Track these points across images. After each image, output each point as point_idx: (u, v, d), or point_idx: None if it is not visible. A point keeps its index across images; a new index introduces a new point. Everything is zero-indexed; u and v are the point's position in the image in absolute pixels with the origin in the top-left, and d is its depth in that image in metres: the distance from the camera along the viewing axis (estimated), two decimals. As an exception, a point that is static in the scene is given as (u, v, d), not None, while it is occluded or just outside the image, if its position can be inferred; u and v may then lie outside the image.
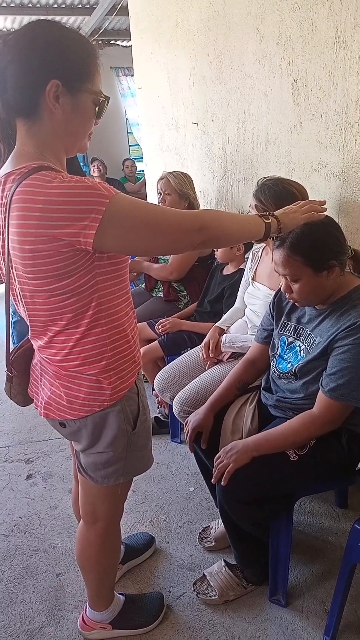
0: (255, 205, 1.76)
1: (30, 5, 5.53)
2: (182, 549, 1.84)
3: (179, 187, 2.55)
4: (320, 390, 1.40)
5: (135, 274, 2.83)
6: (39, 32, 1.00)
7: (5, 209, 1.03)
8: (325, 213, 1.33)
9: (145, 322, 2.59)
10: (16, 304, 1.20)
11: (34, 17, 5.16)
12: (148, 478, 2.19)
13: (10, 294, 1.18)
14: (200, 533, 1.87)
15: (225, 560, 1.68)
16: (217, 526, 1.84)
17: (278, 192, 1.74)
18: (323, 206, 1.33)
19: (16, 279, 1.11)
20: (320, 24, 1.79)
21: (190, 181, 2.62)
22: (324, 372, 1.41)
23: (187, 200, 2.58)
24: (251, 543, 1.59)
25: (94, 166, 5.98)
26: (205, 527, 1.89)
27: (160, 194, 2.60)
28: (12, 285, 1.15)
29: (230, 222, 1.18)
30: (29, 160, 1.03)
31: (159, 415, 2.60)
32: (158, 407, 2.63)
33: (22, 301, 1.14)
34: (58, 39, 1.00)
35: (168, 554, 1.83)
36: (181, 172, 2.62)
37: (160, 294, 2.81)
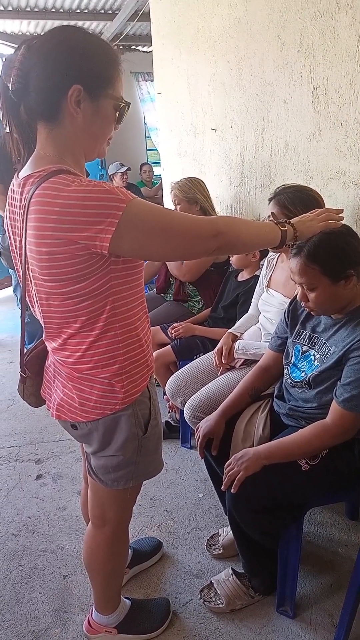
0: (273, 213, 1.75)
1: (53, 10, 5.59)
2: (190, 555, 1.83)
3: (185, 194, 2.57)
4: (334, 400, 1.39)
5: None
6: (63, 37, 1.02)
7: (24, 211, 1.04)
8: (342, 222, 1.32)
9: (158, 327, 2.60)
10: (32, 305, 1.21)
11: (57, 22, 5.21)
12: (157, 483, 2.18)
13: (26, 296, 1.19)
14: (208, 540, 1.86)
15: (232, 569, 1.67)
16: (226, 534, 1.83)
17: (304, 199, 1.73)
18: (340, 215, 1.32)
19: (32, 281, 1.12)
20: (342, 33, 1.78)
21: (198, 184, 2.61)
22: (338, 382, 1.39)
23: (198, 204, 2.58)
24: (260, 552, 1.57)
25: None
26: (214, 534, 1.88)
27: (174, 205, 2.63)
28: (28, 287, 1.16)
29: (246, 229, 1.18)
30: (49, 164, 1.04)
31: (169, 420, 2.60)
32: (169, 412, 2.63)
33: (37, 303, 1.15)
34: (81, 44, 1.01)
35: (175, 560, 1.82)
36: (187, 179, 2.62)
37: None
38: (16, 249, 1.17)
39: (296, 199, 1.72)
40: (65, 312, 1.10)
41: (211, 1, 2.55)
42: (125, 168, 5.69)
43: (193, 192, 2.57)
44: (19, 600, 1.69)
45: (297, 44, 2.01)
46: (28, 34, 6.34)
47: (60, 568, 1.81)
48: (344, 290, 1.38)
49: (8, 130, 1.10)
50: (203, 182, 2.64)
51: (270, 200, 1.81)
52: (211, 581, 1.66)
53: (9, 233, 1.19)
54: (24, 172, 1.08)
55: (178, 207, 2.60)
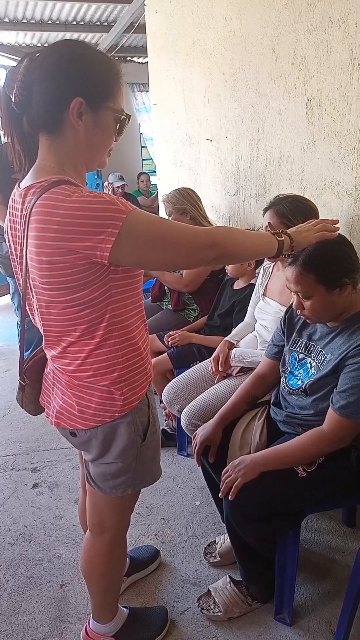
0: (270, 223, 1.77)
1: (49, 22, 5.65)
2: (187, 563, 1.83)
3: (174, 206, 2.60)
4: (330, 407, 1.40)
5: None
6: (65, 51, 1.04)
7: (25, 220, 1.05)
8: (337, 232, 1.35)
9: (155, 335, 2.61)
10: (31, 313, 1.22)
11: (53, 34, 5.25)
12: (154, 491, 2.18)
13: (26, 304, 1.20)
14: (205, 548, 1.86)
15: (230, 576, 1.67)
16: (223, 541, 1.83)
17: (303, 209, 1.76)
18: (335, 225, 1.34)
19: (33, 290, 1.14)
20: (336, 46, 1.82)
21: (186, 194, 2.64)
22: (334, 390, 1.41)
23: (187, 215, 2.61)
24: (257, 559, 1.58)
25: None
26: (211, 542, 1.88)
27: (168, 217, 2.66)
28: (28, 295, 1.17)
29: (244, 239, 1.19)
30: (50, 174, 1.06)
31: (166, 428, 2.60)
32: (165, 420, 2.64)
33: (37, 311, 1.16)
34: (83, 58, 1.04)
35: (173, 568, 1.82)
36: (176, 190, 2.66)
37: (170, 306, 2.83)
38: (17, 257, 1.18)
39: (295, 209, 1.75)
40: (65, 320, 1.11)
41: (206, 14, 2.59)
42: (123, 183, 5.86)
43: (181, 203, 2.60)
44: (16, 610, 1.68)
45: (291, 56, 2.05)
46: (25, 45, 6.40)
47: (57, 577, 1.80)
48: (339, 299, 1.40)
49: (9, 141, 1.12)
50: (192, 191, 2.67)
51: (266, 210, 1.84)
52: (209, 589, 1.66)
53: (9, 242, 1.20)
54: (25, 182, 1.10)
55: (170, 217, 2.64)
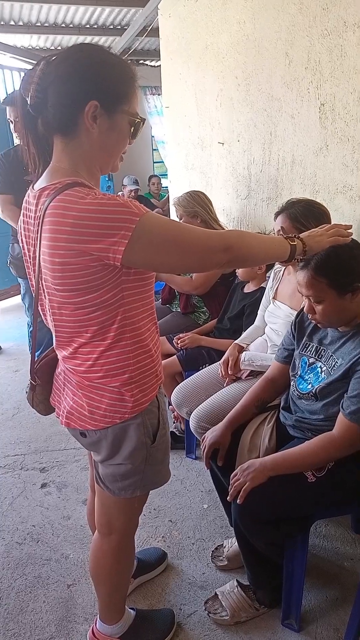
0: (283, 227, 1.77)
1: (63, 25, 5.69)
2: (194, 566, 1.83)
3: (184, 209, 2.60)
4: (340, 412, 1.40)
5: None
6: (82, 55, 1.05)
7: (39, 222, 1.06)
8: (350, 237, 1.34)
9: (164, 337, 2.61)
10: (43, 314, 1.23)
11: (66, 37, 5.28)
12: (162, 493, 2.18)
13: (38, 305, 1.21)
14: (212, 551, 1.86)
15: (237, 580, 1.66)
16: (231, 545, 1.83)
17: (315, 213, 1.76)
18: (349, 230, 1.34)
19: (45, 291, 1.14)
20: (350, 51, 1.82)
21: (197, 197, 2.63)
22: (345, 395, 1.40)
23: (198, 217, 2.60)
24: (265, 564, 1.57)
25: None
26: (219, 546, 1.88)
27: (180, 220, 2.66)
28: (40, 296, 1.18)
29: (257, 243, 1.19)
30: (64, 176, 1.07)
31: (174, 431, 2.60)
32: (174, 422, 2.64)
33: (49, 312, 1.17)
34: (99, 61, 1.05)
35: (180, 571, 1.82)
36: (186, 193, 2.66)
37: (179, 309, 2.84)
38: (30, 259, 1.19)
39: (308, 213, 1.75)
40: (76, 321, 1.12)
41: (220, 18, 2.60)
42: (136, 187, 5.94)
43: (192, 206, 2.60)
44: (23, 609, 1.69)
45: (305, 60, 2.05)
46: (38, 48, 6.45)
47: (64, 577, 1.81)
48: (350, 304, 1.40)
49: (24, 143, 1.13)
50: (203, 194, 2.67)
51: (278, 214, 1.83)
52: (216, 593, 1.66)
53: (22, 243, 1.21)
54: (40, 184, 1.11)
55: (181, 220, 2.63)
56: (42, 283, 1.14)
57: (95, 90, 1.03)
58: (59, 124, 1.06)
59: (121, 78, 1.07)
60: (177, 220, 2.68)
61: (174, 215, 3.52)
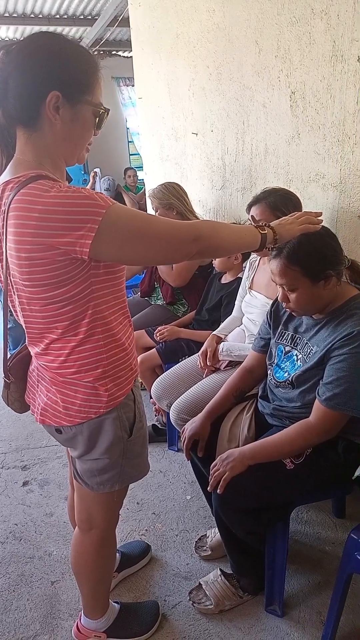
0: (253, 216, 1.77)
1: (32, 15, 5.59)
2: (178, 557, 1.84)
3: (160, 201, 2.58)
4: (316, 399, 1.41)
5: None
6: (42, 43, 1.02)
7: (3, 217, 1.04)
8: (321, 224, 1.35)
9: (144, 330, 2.60)
10: (14, 310, 1.21)
11: (36, 28, 5.20)
12: (144, 486, 2.19)
13: (8, 301, 1.19)
14: (196, 542, 1.87)
15: (221, 569, 1.68)
16: (214, 535, 1.84)
17: (294, 202, 1.79)
18: (319, 217, 1.34)
19: (14, 287, 1.13)
20: (318, 38, 1.82)
21: (172, 188, 2.62)
22: (320, 381, 1.41)
23: (174, 209, 2.59)
24: (247, 552, 1.58)
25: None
26: (202, 536, 1.89)
27: (155, 212, 2.64)
28: (9, 292, 1.16)
29: (227, 233, 1.19)
30: (28, 169, 1.05)
31: (156, 423, 2.60)
32: (155, 415, 2.63)
33: (19, 308, 1.15)
34: (60, 50, 1.02)
35: (164, 563, 1.82)
36: (161, 185, 2.64)
37: (159, 302, 2.83)
38: (-3, 254, 1.17)
39: (287, 202, 1.77)
40: (46, 317, 1.10)
41: (189, 7, 2.58)
42: (107, 190, 5.88)
43: (167, 198, 2.58)
44: (7, 608, 1.68)
45: (275, 49, 2.04)
46: (7, 39, 6.32)
47: (48, 574, 1.80)
48: (324, 291, 1.40)
49: None
50: (178, 185, 2.65)
51: (252, 204, 1.83)
52: (200, 583, 1.67)
53: (-12, 239, 1.19)
54: (3, 177, 1.08)
55: (157, 213, 2.62)
56: (10, 279, 1.12)
57: (57, 80, 1.01)
58: (21, 115, 1.04)
59: (83, 67, 1.04)
60: (153, 212, 2.66)
61: (150, 209, 3.51)
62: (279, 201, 1.78)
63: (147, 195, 2.86)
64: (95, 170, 6.02)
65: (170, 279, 2.65)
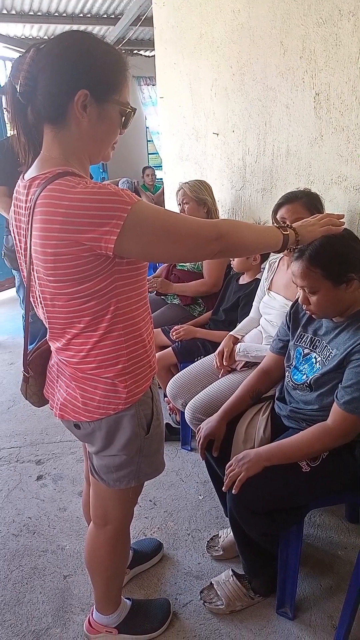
0: (277, 218, 1.78)
1: (56, 14, 5.63)
2: (190, 556, 1.84)
3: (195, 194, 2.59)
4: (335, 402, 1.40)
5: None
6: (72, 42, 1.03)
7: (29, 212, 1.05)
8: (342, 227, 1.34)
9: (160, 329, 2.61)
10: (35, 306, 1.22)
11: (59, 26, 5.24)
12: (157, 484, 2.19)
13: (30, 296, 1.20)
14: (208, 542, 1.87)
15: (233, 570, 1.67)
16: (226, 535, 1.84)
17: (322, 204, 1.82)
18: (341, 220, 1.33)
19: (37, 282, 1.14)
20: (345, 39, 1.80)
21: (207, 187, 2.64)
22: (339, 385, 1.40)
23: (206, 207, 2.61)
24: (260, 553, 1.58)
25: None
26: (214, 536, 1.89)
27: (180, 205, 2.65)
28: (32, 287, 1.17)
29: (249, 232, 1.19)
30: (54, 166, 1.06)
31: (170, 422, 2.61)
32: (170, 414, 2.64)
33: (41, 303, 1.16)
34: (89, 50, 1.03)
35: (175, 561, 1.82)
36: (197, 180, 2.65)
37: (176, 301, 2.83)
38: (21, 249, 1.18)
39: (318, 203, 1.80)
40: (69, 312, 1.11)
41: (214, 7, 2.58)
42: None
43: (203, 194, 2.60)
44: (20, 600, 1.70)
45: (300, 50, 2.03)
46: (31, 37, 6.39)
47: (60, 568, 1.81)
48: (345, 294, 1.39)
49: (15, 132, 1.12)
50: (210, 186, 2.67)
51: (283, 204, 1.82)
52: (211, 582, 1.67)
53: (14, 234, 1.20)
54: (30, 173, 1.10)
55: (186, 206, 2.62)
56: (33, 274, 1.14)
57: (85, 79, 1.02)
58: (49, 112, 1.05)
59: (112, 67, 1.05)
60: (176, 206, 2.67)
61: (168, 206, 3.51)
62: (312, 201, 1.80)
63: (169, 191, 2.85)
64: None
65: (208, 287, 2.66)
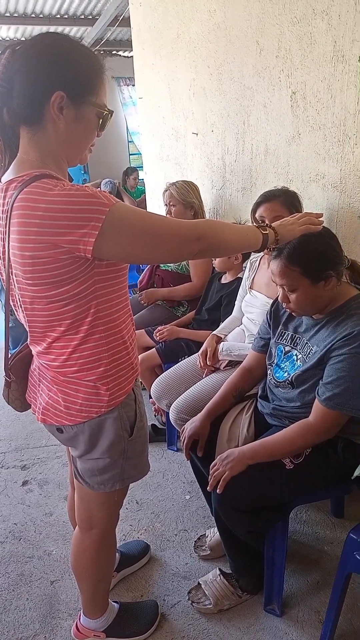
0: (255, 217, 1.78)
1: (33, 15, 5.59)
2: (177, 557, 1.84)
3: (182, 197, 2.58)
4: (316, 399, 1.41)
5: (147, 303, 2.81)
6: (48, 43, 1.03)
7: (7, 215, 1.04)
8: (321, 225, 1.35)
9: (144, 330, 2.60)
10: (15, 309, 1.21)
11: (37, 27, 5.19)
12: (144, 486, 2.19)
13: (10, 300, 1.19)
14: (195, 541, 1.87)
15: (220, 569, 1.68)
16: (213, 535, 1.84)
17: (300, 202, 1.84)
18: (319, 218, 1.35)
19: (16, 285, 1.13)
20: (319, 38, 1.82)
21: (195, 189, 2.64)
22: (320, 381, 1.42)
23: (193, 209, 2.60)
24: (246, 552, 1.59)
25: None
26: (201, 536, 1.89)
27: (167, 206, 2.63)
28: (11, 291, 1.16)
29: (229, 233, 1.19)
30: (31, 168, 1.05)
31: (155, 423, 2.60)
32: (155, 415, 2.64)
33: (21, 307, 1.15)
34: (66, 51, 1.02)
35: (163, 562, 1.82)
36: (184, 182, 2.64)
37: (158, 302, 2.82)
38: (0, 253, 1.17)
39: (297, 201, 1.82)
40: (49, 315, 1.10)
41: (190, 7, 2.58)
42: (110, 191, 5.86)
43: (190, 197, 2.59)
44: (6, 607, 1.68)
45: (276, 49, 2.04)
46: (8, 39, 6.32)
47: (47, 574, 1.80)
48: (324, 291, 1.41)
49: None
50: (198, 188, 2.66)
51: (262, 202, 1.83)
52: (199, 582, 1.67)
53: (-9, 238, 1.19)
54: (7, 176, 1.08)
55: (172, 208, 2.60)
56: (12, 278, 1.12)
57: (62, 81, 1.01)
58: (25, 114, 1.04)
59: (88, 69, 1.05)
60: (162, 206, 2.66)
61: (150, 207, 3.51)
62: (291, 199, 1.81)
63: (150, 192, 2.84)
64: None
65: (197, 290, 2.65)
